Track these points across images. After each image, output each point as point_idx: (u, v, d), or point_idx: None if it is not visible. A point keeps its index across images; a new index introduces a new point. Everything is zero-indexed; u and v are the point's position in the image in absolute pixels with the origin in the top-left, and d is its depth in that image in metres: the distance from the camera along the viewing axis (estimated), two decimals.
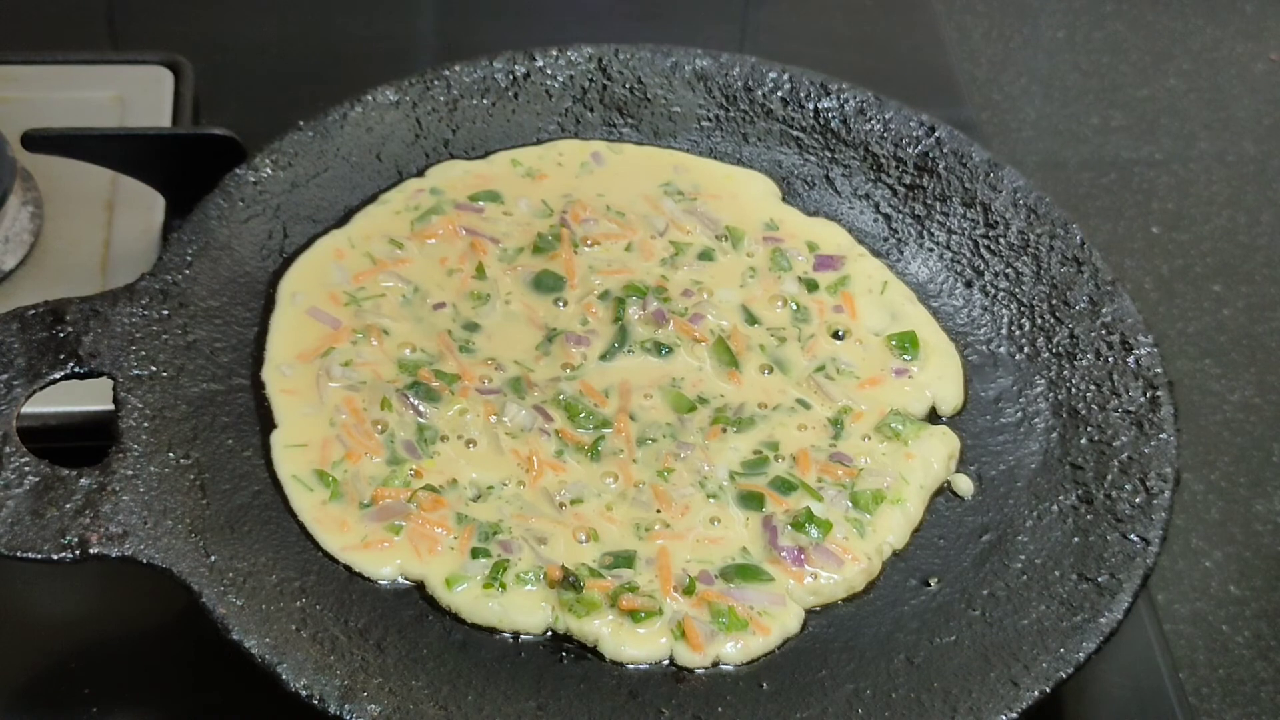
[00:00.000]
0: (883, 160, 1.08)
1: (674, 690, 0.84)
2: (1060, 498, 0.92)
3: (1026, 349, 1.00)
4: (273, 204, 1.02)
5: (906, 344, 0.99)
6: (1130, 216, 1.27)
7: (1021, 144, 1.33)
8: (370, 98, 1.07)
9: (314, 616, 0.84)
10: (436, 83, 1.09)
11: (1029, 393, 0.97)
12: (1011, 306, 1.01)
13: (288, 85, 1.28)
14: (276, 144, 1.04)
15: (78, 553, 0.82)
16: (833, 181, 1.08)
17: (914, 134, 1.08)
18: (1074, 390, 0.96)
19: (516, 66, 1.11)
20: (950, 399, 0.97)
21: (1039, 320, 1.00)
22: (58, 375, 0.90)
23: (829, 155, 1.09)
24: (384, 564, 0.87)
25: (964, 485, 0.94)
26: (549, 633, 0.85)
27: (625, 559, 0.88)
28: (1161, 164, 1.32)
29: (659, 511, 0.90)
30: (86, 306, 0.92)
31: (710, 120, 1.11)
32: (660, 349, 0.97)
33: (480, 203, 1.05)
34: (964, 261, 1.04)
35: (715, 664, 0.85)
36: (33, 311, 0.91)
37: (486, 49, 1.11)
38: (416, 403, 0.93)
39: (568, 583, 0.85)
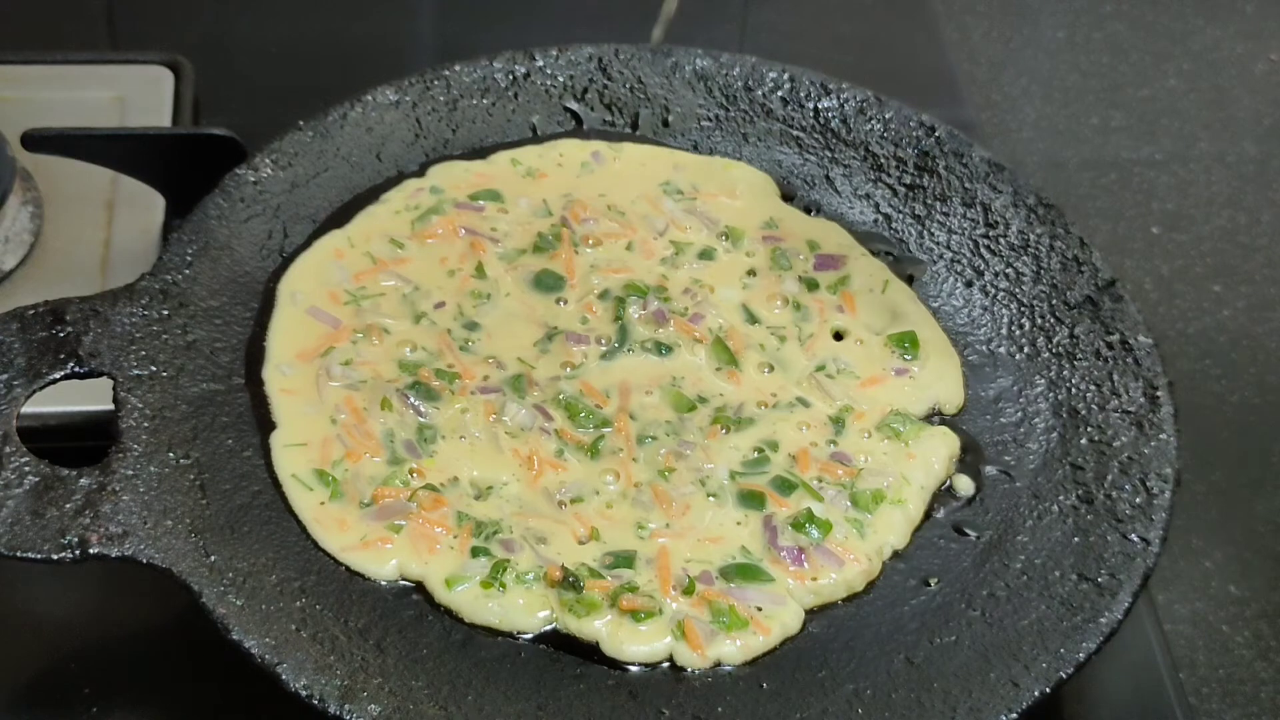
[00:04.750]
0: (883, 160, 1.08)
1: (674, 690, 0.84)
2: (1060, 498, 0.92)
3: (1026, 349, 1.00)
4: (273, 204, 1.02)
5: (906, 344, 0.99)
6: (1130, 216, 1.27)
7: (1021, 144, 1.33)
8: (370, 98, 1.07)
9: (314, 616, 0.84)
10: (436, 83, 1.09)
11: (1029, 393, 0.97)
12: (1011, 306, 1.01)
13: (288, 85, 1.28)
14: (276, 144, 1.04)
15: (78, 553, 0.82)
16: (833, 181, 1.08)
17: (914, 134, 1.08)
18: (1074, 390, 0.96)
19: (516, 66, 1.11)
20: (950, 399, 0.97)
21: (1039, 320, 1.00)
22: (58, 375, 0.90)
23: (829, 155, 1.09)
24: (384, 564, 0.87)
25: (964, 485, 0.94)
26: (549, 632, 0.85)
27: (625, 559, 0.88)
28: (1161, 164, 1.32)
29: (659, 511, 0.90)
30: (86, 306, 0.92)
31: (710, 120, 1.11)
32: (660, 348, 0.97)
33: (480, 202, 1.05)
34: (964, 261, 1.04)
35: (715, 664, 0.85)
36: (33, 311, 0.91)
37: (486, 49, 1.11)
38: (416, 402, 0.93)
39: (568, 583, 0.85)
